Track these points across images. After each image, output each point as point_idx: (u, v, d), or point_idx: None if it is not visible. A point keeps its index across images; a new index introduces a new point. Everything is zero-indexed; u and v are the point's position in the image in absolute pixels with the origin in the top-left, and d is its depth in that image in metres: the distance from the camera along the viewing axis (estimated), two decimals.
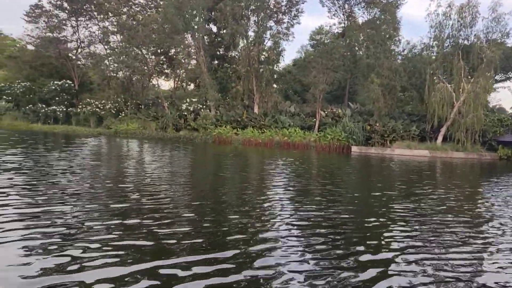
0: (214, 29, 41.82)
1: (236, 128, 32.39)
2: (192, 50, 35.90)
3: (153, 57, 38.89)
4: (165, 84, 49.57)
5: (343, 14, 36.62)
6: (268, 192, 9.87)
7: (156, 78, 39.03)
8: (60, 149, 20.18)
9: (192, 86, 46.86)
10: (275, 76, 33.65)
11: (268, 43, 34.67)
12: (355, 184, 12.87)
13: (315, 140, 29.07)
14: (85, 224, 5.99)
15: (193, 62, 40.86)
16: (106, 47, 45.48)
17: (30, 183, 9.25)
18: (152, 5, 43.76)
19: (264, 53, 33.58)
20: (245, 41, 33.44)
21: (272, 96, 33.05)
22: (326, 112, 32.53)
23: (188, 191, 9.60)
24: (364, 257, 5.11)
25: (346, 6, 36.18)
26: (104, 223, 6.12)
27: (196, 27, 33.28)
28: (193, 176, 12.66)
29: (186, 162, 17.08)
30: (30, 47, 48.30)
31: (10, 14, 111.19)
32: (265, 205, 8.16)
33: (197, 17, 33.79)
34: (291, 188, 10.59)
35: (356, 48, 35.40)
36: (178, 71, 43.85)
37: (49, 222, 6.03)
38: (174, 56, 44.55)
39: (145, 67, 37.22)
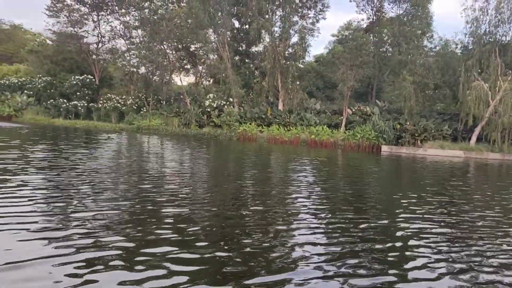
0: (236, 24, 41.36)
1: (261, 125, 31.90)
2: (215, 46, 35.37)
3: (175, 52, 38.50)
4: (184, 80, 49.03)
5: (371, 9, 35.81)
6: (297, 194, 9.42)
7: (177, 74, 38.65)
8: (89, 145, 20.00)
9: (211, 82, 46.52)
10: (300, 72, 32.95)
11: (294, 39, 34.04)
12: (393, 186, 12.35)
13: (344, 138, 28.38)
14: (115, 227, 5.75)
15: (213, 57, 40.56)
16: (127, 42, 45.35)
17: (72, 183, 8.95)
18: (175, 0, 43.39)
19: (290, 48, 32.94)
20: (271, 36, 32.80)
21: (298, 93, 32.45)
22: (353, 110, 31.81)
23: (219, 193, 9.19)
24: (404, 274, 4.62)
25: (376, 0, 35.31)
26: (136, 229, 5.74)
27: (220, 21, 32.79)
28: (224, 175, 12.25)
29: (216, 161, 16.70)
30: (51, 41, 48.50)
31: (29, 9, 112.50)
32: (292, 208, 7.77)
33: (221, 12, 33.29)
34: (321, 190, 10.14)
35: (388, 44, 34.54)
36: (199, 67, 43.53)
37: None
38: (195, 52, 44.26)
39: (168, 63, 36.89)
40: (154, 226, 5.82)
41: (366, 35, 32.08)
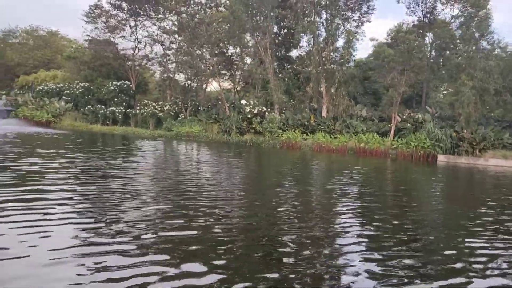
0: (274, 28, 40.59)
1: (306, 132, 30.89)
2: (256, 50, 34.66)
3: (214, 58, 38.03)
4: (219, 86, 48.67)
5: (421, 11, 34.37)
6: (351, 206, 8.46)
7: (216, 79, 38.15)
8: (136, 153, 19.61)
9: (245, 87, 45.94)
10: (346, 77, 31.76)
11: (339, 43, 32.98)
12: (458, 200, 11.12)
13: (396, 147, 27.03)
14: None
15: (251, 62, 39.96)
16: (163, 47, 45.34)
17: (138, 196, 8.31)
18: (212, 4, 43.13)
19: (335, 53, 31.88)
20: (316, 39, 31.83)
21: (343, 99, 31.30)
22: (404, 116, 30.40)
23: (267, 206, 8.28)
24: None
25: (428, 2, 33.82)
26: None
27: (263, 25, 32.09)
28: (275, 189, 11.31)
29: (267, 171, 15.85)
30: (87, 47, 49.05)
31: (65, 16, 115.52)
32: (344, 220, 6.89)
33: (263, 16, 32.62)
34: (378, 202, 9.43)
35: (443, 48, 32.98)
36: (237, 72, 43.04)
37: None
38: (233, 57, 43.78)
39: (207, 68, 36.45)
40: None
41: (419, 38, 30.62)
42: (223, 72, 42.71)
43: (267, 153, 25.71)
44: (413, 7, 34.34)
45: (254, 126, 33.32)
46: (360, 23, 35.47)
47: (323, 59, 31.25)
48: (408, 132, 29.02)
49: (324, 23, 33.24)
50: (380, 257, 5.25)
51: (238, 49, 42.67)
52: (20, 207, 6.55)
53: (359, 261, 5.04)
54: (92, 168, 12.01)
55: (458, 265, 5.16)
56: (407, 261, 5.09)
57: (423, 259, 5.26)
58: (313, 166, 18.97)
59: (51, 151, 17.00)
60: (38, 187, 8.45)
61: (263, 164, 19.01)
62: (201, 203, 7.89)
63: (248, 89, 43.05)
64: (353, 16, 35.26)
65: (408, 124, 30.02)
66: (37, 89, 48.64)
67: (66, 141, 24.13)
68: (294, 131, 30.82)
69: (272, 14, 32.68)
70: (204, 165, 15.68)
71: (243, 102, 36.38)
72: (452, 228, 7.21)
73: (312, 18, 31.92)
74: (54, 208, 6.67)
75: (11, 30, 66.56)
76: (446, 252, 5.66)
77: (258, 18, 32.52)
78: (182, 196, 8.52)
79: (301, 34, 31.98)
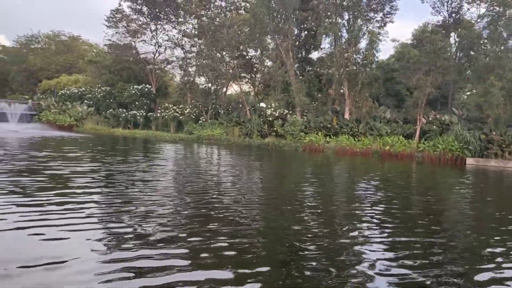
0: (295, 30, 40.41)
1: (329, 135, 30.53)
2: (278, 52, 34.47)
3: (234, 60, 38.02)
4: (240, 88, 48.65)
5: (447, 11, 33.75)
6: (380, 212, 8.05)
7: (237, 82, 38.14)
8: (160, 157, 19.66)
9: (264, 90, 45.76)
10: (369, 79, 31.29)
11: (361, 44, 32.55)
12: (494, 205, 10.68)
13: (422, 149, 26.47)
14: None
15: (270, 64, 39.83)
16: (183, 50, 45.60)
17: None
18: (232, 7, 43.19)
19: (358, 54, 31.47)
20: (338, 41, 31.50)
21: (366, 101, 30.85)
22: (430, 118, 29.80)
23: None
24: None
25: (453, 1, 33.20)
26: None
27: (285, 27, 31.91)
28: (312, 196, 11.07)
29: (295, 175, 15.62)
30: (108, 52, 49.71)
31: (86, 21, 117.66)
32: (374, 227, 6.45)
33: (284, 18, 32.44)
34: (402, 208, 9.03)
35: (469, 47, 32.23)
36: (257, 74, 42.97)
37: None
38: (253, 60, 43.73)
39: (228, 71, 36.46)
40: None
41: (445, 38, 30.00)
42: (243, 75, 42.64)
43: (289, 156, 25.49)
44: (438, 7, 33.75)
45: (275, 129, 33.12)
46: (382, 24, 35.10)
47: (346, 60, 30.86)
48: (434, 135, 28.41)
49: (346, 24, 32.92)
50: (410, 263, 5.07)
51: (258, 52, 42.68)
52: (55, 211, 6.54)
53: (385, 269, 4.85)
54: (120, 171, 12.02)
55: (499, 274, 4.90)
56: (436, 271, 4.84)
57: (459, 266, 5.11)
58: (338, 169, 18.69)
59: (78, 154, 17.20)
60: (68, 190, 8.45)
61: (287, 167, 18.77)
62: (227, 207, 7.81)
63: (267, 91, 42.82)
64: (376, 17, 34.92)
65: (434, 126, 29.40)
66: (60, 93, 49.44)
67: (91, 145, 24.41)
68: (316, 134, 30.49)
69: (293, 16, 32.43)
70: (229, 168, 15.56)
71: (262, 105, 36.23)
72: (486, 233, 6.92)
73: (334, 20, 31.60)
74: (83, 212, 6.67)
75: (33, 36, 68.04)
76: (482, 256, 5.47)
77: (279, 20, 32.34)
78: (210, 201, 8.42)
79: (323, 36, 31.67)
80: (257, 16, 31.63)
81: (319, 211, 8.08)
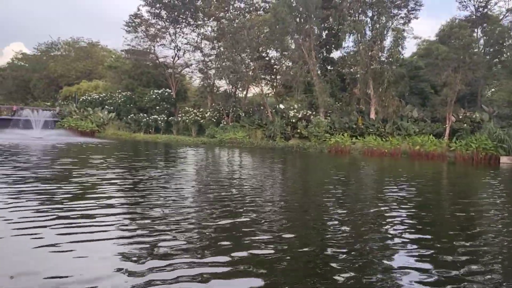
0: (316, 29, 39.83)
1: (356, 136, 29.88)
2: (297, 53, 33.94)
3: (254, 61, 37.63)
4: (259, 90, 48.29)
5: (473, 5, 32.75)
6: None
7: (258, 84, 37.77)
8: (185, 161, 19.41)
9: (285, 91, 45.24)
10: (395, 77, 30.53)
11: (386, 42, 31.84)
12: None
13: (454, 149, 25.62)
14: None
15: (289, 65, 39.34)
16: (201, 53, 45.43)
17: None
18: (251, 9, 42.87)
19: (383, 52, 30.78)
20: (363, 39, 30.84)
21: (393, 100, 30.10)
22: (460, 116, 28.93)
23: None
24: None
25: None
26: None
27: (308, 26, 31.41)
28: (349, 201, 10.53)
29: (325, 178, 15.11)
30: (127, 57, 49.90)
31: (105, 27, 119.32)
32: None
33: (307, 17, 31.93)
34: (438, 213, 8.11)
35: (500, 42, 31.22)
36: (277, 76, 42.52)
37: None
38: (273, 61, 43.31)
39: (250, 73, 36.11)
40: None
41: (473, 33, 29.08)
42: (263, 76, 42.22)
43: (316, 158, 24.97)
44: (465, 2, 32.77)
45: (299, 130, 32.63)
46: (407, 20, 34.26)
47: (371, 59, 30.19)
48: (465, 133, 27.56)
49: (369, 22, 32.25)
50: (440, 279, 4.61)
51: (278, 53, 42.24)
52: (83, 224, 6.30)
53: (419, 278, 4.52)
54: (149, 177, 11.80)
55: None
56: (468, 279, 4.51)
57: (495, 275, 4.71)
58: (369, 171, 18.10)
59: (103, 160, 17.09)
60: (97, 199, 8.20)
61: (317, 171, 18.25)
62: (260, 213, 7.56)
63: (288, 93, 42.30)
64: (400, 13, 34.09)
65: (465, 125, 28.55)
66: (81, 99, 49.82)
67: (115, 150, 24.37)
68: (342, 135, 29.85)
69: (315, 14, 31.84)
70: (258, 173, 15.15)
71: (282, 106, 35.78)
72: None
73: (358, 17, 30.97)
74: (109, 219, 6.47)
75: (53, 43, 68.95)
76: None
77: (301, 19, 31.86)
78: (238, 207, 8.11)
79: (347, 34, 31.04)
80: (278, 15, 31.19)
81: (355, 215, 7.62)
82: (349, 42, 33.61)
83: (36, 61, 68.93)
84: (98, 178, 11.18)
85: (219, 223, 6.67)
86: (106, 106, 46.32)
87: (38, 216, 6.49)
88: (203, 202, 8.65)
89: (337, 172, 17.09)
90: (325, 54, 40.84)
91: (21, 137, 30.10)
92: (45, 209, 7.00)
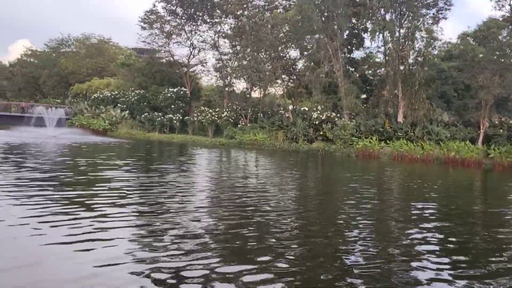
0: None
1: (383, 140, 28.58)
2: (323, 52, 32.67)
3: (275, 62, 36.42)
4: (278, 91, 47.14)
5: (509, 5, 31.32)
6: None
7: (278, 84, 36.62)
8: (209, 164, 18.39)
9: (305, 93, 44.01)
10: (425, 79, 29.21)
11: (416, 42, 30.51)
12: None
13: (493, 156, 24.30)
14: None
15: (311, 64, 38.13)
16: (217, 52, 44.27)
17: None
18: (271, 6, 41.62)
19: (414, 52, 29.51)
20: (393, 39, 29.56)
21: (423, 103, 28.80)
22: (496, 121, 27.62)
23: None
24: None
25: None
26: None
27: (335, 24, 30.16)
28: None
29: (365, 187, 14.00)
30: (142, 54, 48.93)
31: (119, 25, 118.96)
32: None
33: (333, 14, 30.70)
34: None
35: None
36: (297, 76, 41.30)
37: None
38: (294, 60, 42.14)
39: (271, 72, 34.91)
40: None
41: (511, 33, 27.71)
42: (283, 76, 40.95)
43: (345, 163, 23.87)
44: (501, 1, 31.33)
45: (321, 133, 31.41)
46: (436, 20, 32.93)
47: (402, 59, 28.90)
48: (501, 139, 26.22)
49: (396, 21, 30.97)
50: None
51: (297, 53, 41.07)
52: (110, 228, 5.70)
53: None
54: (176, 182, 11.02)
55: None
56: None
57: None
58: (408, 179, 16.95)
59: (125, 161, 16.56)
60: (118, 203, 7.82)
61: (353, 177, 16.99)
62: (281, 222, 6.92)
63: (308, 94, 41.02)
64: (429, 13, 32.78)
65: (501, 130, 27.19)
66: (93, 97, 48.79)
67: (133, 151, 23.54)
68: (370, 139, 28.56)
69: (343, 12, 30.49)
70: (290, 180, 14.05)
71: (305, 108, 34.59)
72: None
73: (387, 16, 29.73)
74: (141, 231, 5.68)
75: (63, 39, 68.04)
76: None
77: (327, 17, 30.64)
78: (265, 212, 7.64)
79: (376, 33, 29.73)
80: (304, 13, 30.00)
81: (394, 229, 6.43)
82: (378, 42, 32.16)
83: (45, 58, 68.08)
84: (121, 181, 10.49)
85: (245, 232, 6.13)
86: (118, 104, 45.18)
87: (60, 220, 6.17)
88: (232, 209, 7.86)
89: (379, 180, 15.90)
90: (346, 54, 39.61)
91: (35, 135, 29.06)
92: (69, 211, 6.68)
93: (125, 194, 8.74)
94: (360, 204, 9.43)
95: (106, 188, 9.32)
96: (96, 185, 9.84)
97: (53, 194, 8.15)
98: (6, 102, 50.62)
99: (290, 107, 37.30)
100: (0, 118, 44.43)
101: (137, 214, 7.09)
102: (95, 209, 7.09)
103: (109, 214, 6.87)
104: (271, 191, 10.62)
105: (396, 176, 18.20)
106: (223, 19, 43.16)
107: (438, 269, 5.04)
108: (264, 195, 9.75)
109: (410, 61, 30.83)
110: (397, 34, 30.70)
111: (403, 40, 29.79)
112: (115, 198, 8.27)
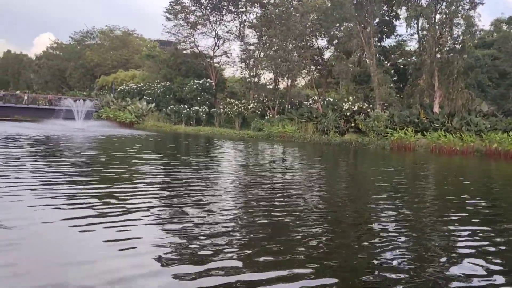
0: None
1: (421, 131, 27.47)
2: (356, 41, 31.59)
3: (303, 51, 35.46)
4: (303, 81, 46.18)
5: None
6: None
7: (307, 74, 35.71)
8: (247, 161, 17.78)
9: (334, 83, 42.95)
10: (464, 68, 27.91)
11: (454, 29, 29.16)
12: None
13: None
14: None
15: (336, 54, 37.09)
16: (242, 42, 43.54)
17: None
18: None
19: (452, 39, 28.21)
20: (430, 25, 28.28)
21: (462, 93, 27.51)
22: None
23: None
24: None
25: None
26: None
27: (368, 10, 29.04)
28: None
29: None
30: (163, 48, 48.63)
31: (138, 16, 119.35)
32: None
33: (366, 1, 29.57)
34: None
35: None
36: (326, 65, 40.29)
37: None
38: (322, 50, 41.13)
39: (301, 62, 34.03)
40: None
41: None
42: (312, 67, 39.98)
43: (382, 156, 22.98)
44: None
45: (353, 124, 30.49)
46: (473, 6, 31.42)
47: (440, 46, 27.64)
48: None
49: (432, 6, 29.64)
50: None
51: (325, 42, 40.02)
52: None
53: None
54: (217, 182, 10.33)
55: None
56: None
57: None
58: (449, 172, 15.99)
59: (159, 155, 16.36)
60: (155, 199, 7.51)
61: (399, 173, 16.12)
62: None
63: (337, 84, 39.99)
64: None
65: None
66: (119, 89, 48.81)
67: (163, 144, 23.24)
68: (406, 130, 27.48)
69: None
70: (330, 177, 13.32)
71: (329, 99, 33.69)
72: None
73: (422, 1, 28.46)
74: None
75: (88, 32, 68.43)
76: None
77: (360, 3, 29.52)
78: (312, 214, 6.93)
79: (412, 19, 28.48)
80: (336, 0, 28.92)
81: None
82: (413, 29, 30.81)
83: (71, 50, 68.65)
84: (157, 177, 10.11)
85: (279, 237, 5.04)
86: (144, 97, 45.03)
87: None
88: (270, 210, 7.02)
89: (434, 177, 15.03)
90: (376, 42, 38.34)
91: (64, 128, 29.07)
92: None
93: (164, 192, 8.29)
94: (424, 205, 8.68)
95: (144, 184, 8.98)
96: (134, 181, 9.41)
97: (94, 192, 7.68)
98: (34, 95, 51.09)
99: (316, 97, 36.42)
100: (28, 110, 45.07)
101: (181, 214, 6.51)
102: (135, 209, 6.58)
103: (148, 214, 6.36)
104: (323, 189, 9.99)
105: (442, 170, 17.30)
106: (248, 8, 42.37)
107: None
108: (317, 195, 9.13)
109: (446, 48, 29.60)
110: (432, 20, 29.44)
111: (440, 26, 28.45)
112: (154, 196, 7.81)
